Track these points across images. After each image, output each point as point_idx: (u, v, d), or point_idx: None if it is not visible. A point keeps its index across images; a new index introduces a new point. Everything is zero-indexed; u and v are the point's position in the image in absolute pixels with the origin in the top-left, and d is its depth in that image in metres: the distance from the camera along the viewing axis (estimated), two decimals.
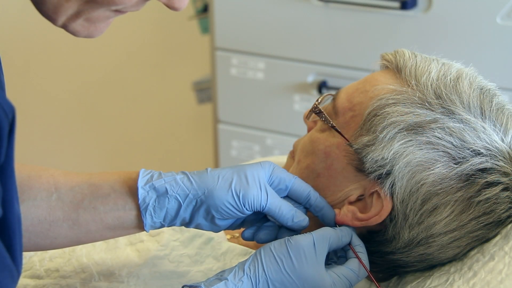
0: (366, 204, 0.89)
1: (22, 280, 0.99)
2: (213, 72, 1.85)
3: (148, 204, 0.86)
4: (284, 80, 1.77)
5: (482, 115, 0.88)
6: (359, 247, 0.88)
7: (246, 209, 0.86)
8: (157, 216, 0.87)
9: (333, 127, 0.92)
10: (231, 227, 0.90)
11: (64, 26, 0.76)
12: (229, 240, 1.02)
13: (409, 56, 0.93)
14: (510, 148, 0.88)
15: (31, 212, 0.87)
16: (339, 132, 0.91)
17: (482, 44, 1.55)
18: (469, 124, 0.87)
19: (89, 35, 0.77)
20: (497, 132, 0.88)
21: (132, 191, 0.88)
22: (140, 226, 0.88)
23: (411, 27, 1.60)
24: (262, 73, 1.79)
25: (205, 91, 2.14)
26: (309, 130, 0.98)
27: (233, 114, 1.87)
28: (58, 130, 2.63)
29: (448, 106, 0.88)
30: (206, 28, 2.09)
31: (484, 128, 0.87)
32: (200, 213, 0.87)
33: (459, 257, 0.92)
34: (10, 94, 2.46)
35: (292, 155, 0.99)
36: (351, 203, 0.90)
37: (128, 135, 2.56)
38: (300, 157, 0.95)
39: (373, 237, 0.91)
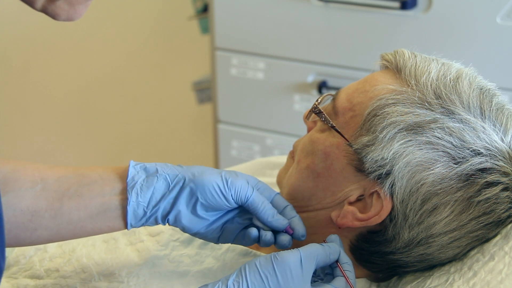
0: (366, 204, 0.89)
1: (22, 280, 0.99)
2: (213, 72, 1.85)
3: (136, 182, 0.87)
4: (284, 80, 1.77)
5: (482, 115, 0.88)
6: (347, 265, 0.86)
7: (232, 196, 0.87)
8: (143, 196, 0.87)
9: (333, 127, 0.92)
10: (209, 225, 0.90)
11: (44, 9, 0.76)
12: None
13: (409, 56, 0.93)
14: (510, 148, 0.88)
15: (14, 202, 0.86)
16: (339, 132, 0.91)
17: (482, 44, 1.55)
18: (468, 124, 0.87)
19: (68, 18, 0.76)
20: (497, 132, 0.88)
21: (122, 176, 0.88)
22: (123, 215, 0.87)
23: (411, 27, 1.60)
24: (262, 73, 1.79)
25: (205, 91, 2.14)
26: (309, 130, 0.98)
27: (233, 114, 1.87)
28: (58, 129, 2.63)
29: (447, 106, 0.88)
30: (206, 28, 2.09)
31: (484, 128, 0.87)
32: (184, 196, 0.87)
33: (459, 257, 0.92)
34: (10, 94, 2.46)
35: (292, 155, 0.99)
36: (351, 203, 0.90)
37: (128, 135, 2.56)
38: (300, 157, 0.95)
39: (373, 237, 0.91)
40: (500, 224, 0.90)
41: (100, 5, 2.41)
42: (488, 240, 0.91)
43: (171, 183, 0.87)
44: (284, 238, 0.89)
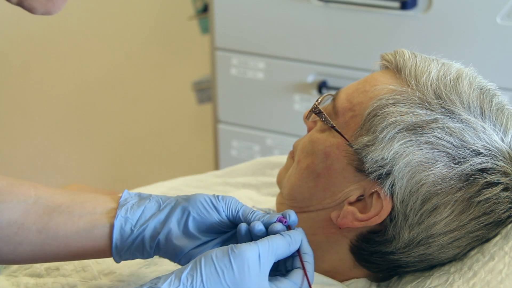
0: (366, 205, 0.89)
1: (23, 279, 0.99)
2: (213, 72, 1.85)
3: (128, 202, 0.85)
4: (284, 80, 1.77)
5: (482, 115, 0.88)
6: (308, 256, 0.83)
7: (222, 207, 0.84)
8: (132, 213, 0.84)
9: (333, 127, 0.92)
10: (201, 246, 0.85)
11: (20, 3, 0.73)
12: None
13: (409, 56, 0.93)
14: (510, 148, 0.88)
15: (3, 213, 0.84)
16: (339, 132, 0.91)
17: (482, 44, 1.55)
18: (469, 124, 0.87)
19: (46, 11, 0.74)
20: (497, 132, 0.88)
21: (116, 199, 0.86)
22: (110, 234, 0.84)
23: (411, 27, 1.60)
24: (262, 73, 1.79)
25: (205, 91, 2.14)
26: (309, 130, 0.98)
27: (233, 114, 1.87)
28: (57, 129, 2.63)
29: (448, 106, 0.88)
30: (206, 28, 2.09)
31: (484, 128, 0.87)
32: (175, 214, 0.84)
33: (459, 257, 0.92)
34: (10, 94, 2.47)
35: (292, 155, 0.99)
36: (350, 203, 0.90)
37: (128, 135, 2.56)
38: (300, 157, 0.95)
39: (373, 237, 0.91)
40: (500, 224, 0.90)
41: (100, 5, 2.42)
42: (488, 240, 0.91)
43: (162, 204, 0.85)
44: (276, 225, 0.83)
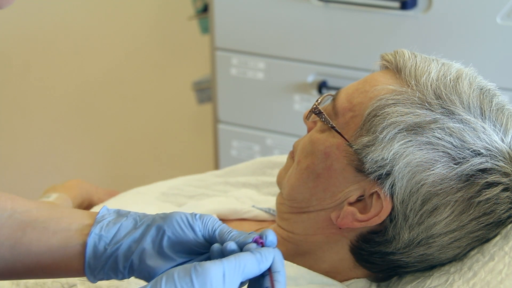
0: (366, 205, 0.89)
1: None
2: (213, 72, 1.85)
3: (105, 220, 0.80)
4: (284, 80, 1.77)
5: (482, 115, 0.88)
6: (279, 275, 0.76)
7: (199, 227, 0.78)
8: (108, 230, 0.80)
9: (333, 127, 0.92)
10: (175, 264, 0.80)
11: None
12: None
13: (409, 56, 0.93)
14: (510, 148, 0.88)
15: None
16: (339, 133, 0.91)
17: (482, 44, 1.55)
18: (469, 124, 0.87)
19: None
20: (497, 132, 0.88)
21: (93, 215, 0.82)
22: (83, 252, 0.80)
23: (411, 27, 1.60)
24: (262, 73, 1.79)
25: (205, 91, 2.14)
26: (309, 131, 0.98)
27: (233, 114, 1.87)
28: (57, 129, 2.63)
29: (448, 106, 0.88)
30: (206, 28, 2.09)
31: (484, 128, 0.87)
32: (150, 233, 0.79)
33: (459, 257, 0.92)
34: (11, 94, 2.46)
35: (292, 155, 0.99)
36: (350, 204, 0.90)
37: (128, 135, 2.56)
38: (300, 157, 0.95)
39: (373, 237, 0.91)
40: (500, 224, 0.90)
41: (100, 5, 2.42)
42: (488, 240, 0.91)
43: (139, 222, 0.80)
44: (251, 246, 0.77)
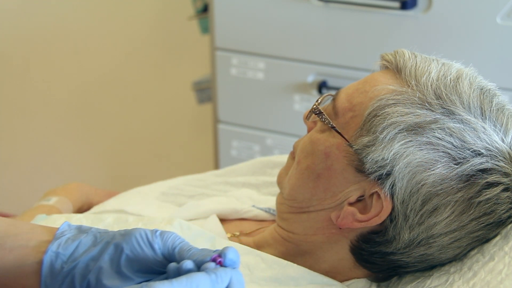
0: (366, 205, 0.89)
1: None
2: (213, 72, 1.85)
3: (64, 236, 0.76)
4: (284, 80, 1.77)
5: (482, 116, 0.88)
6: None
7: (158, 244, 0.74)
8: (65, 248, 0.75)
9: (333, 127, 0.92)
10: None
11: None
12: (229, 238, 1.02)
13: (409, 56, 0.93)
14: (510, 148, 0.88)
15: None
16: (339, 133, 0.91)
17: (482, 44, 1.55)
18: (469, 124, 0.87)
19: None
20: (497, 133, 0.88)
21: (53, 231, 0.78)
22: (39, 271, 0.75)
23: (411, 27, 1.60)
24: (262, 73, 1.79)
25: (205, 91, 2.14)
26: (309, 131, 0.98)
27: (233, 114, 1.87)
28: (57, 129, 2.63)
29: (448, 106, 0.88)
30: (206, 28, 2.09)
31: (484, 128, 0.87)
32: (109, 251, 0.75)
33: (459, 257, 0.92)
34: (11, 94, 2.47)
35: (292, 155, 0.99)
36: (351, 204, 0.90)
37: (128, 135, 2.56)
38: (300, 157, 0.95)
39: (373, 237, 0.91)
40: (500, 224, 0.90)
41: (100, 5, 2.42)
42: (488, 240, 0.91)
43: (99, 238, 0.76)
44: (208, 265, 0.72)
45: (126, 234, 0.75)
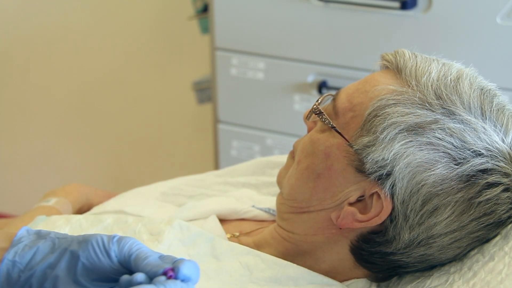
0: (366, 205, 0.89)
1: None
2: (213, 72, 1.85)
3: (21, 243, 0.73)
4: (284, 80, 1.77)
5: (483, 116, 0.88)
6: None
7: (114, 252, 0.72)
8: (22, 256, 0.72)
9: (333, 127, 0.92)
10: None
11: None
12: (229, 239, 1.02)
13: (409, 57, 0.93)
14: (510, 148, 0.88)
15: None
16: (339, 133, 0.91)
17: (482, 44, 1.55)
18: (469, 124, 0.87)
19: None
20: (498, 133, 0.88)
21: (11, 237, 0.75)
22: None
23: (411, 27, 1.60)
24: (262, 73, 1.79)
25: (205, 91, 2.14)
26: (309, 131, 0.98)
27: (233, 114, 1.87)
28: (57, 129, 2.63)
29: (448, 106, 0.88)
30: (206, 28, 2.09)
31: (484, 128, 0.87)
32: (65, 258, 0.72)
33: (459, 257, 0.92)
34: (11, 94, 2.47)
35: (292, 155, 0.99)
36: (351, 204, 0.90)
37: (128, 135, 2.56)
38: (300, 157, 0.95)
39: (373, 237, 0.91)
40: (500, 224, 0.90)
41: (100, 5, 2.42)
42: (488, 240, 0.91)
43: (57, 244, 0.73)
44: (160, 279, 0.69)
45: (83, 241, 0.72)
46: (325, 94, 0.99)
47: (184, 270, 0.69)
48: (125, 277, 0.71)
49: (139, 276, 0.69)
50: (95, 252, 0.72)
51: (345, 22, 1.66)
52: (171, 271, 0.69)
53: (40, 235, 0.75)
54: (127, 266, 0.72)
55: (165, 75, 2.44)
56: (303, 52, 1.73)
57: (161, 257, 0.72)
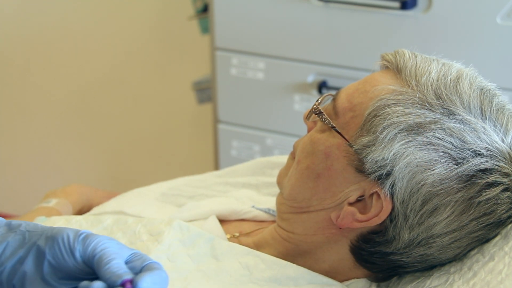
0: (366, 205, 0.89)
1: None
2: (213, 72, 1.85)
3: None
4: (284, 80, 1.77)
5: (483, 116, 0.88)
6: None
7: (79, 251, 0.69)
8: None
9: (333, 127, 0.92)
10: None
11: None
12: (229, 239, 1.02)
13: (409, 56, 0.93)
14: (510, 148, 0.88)
15: None
16: (339, 133, 0.91)
17: (482, 44, 1.55)
18: (469, 124, 0.87)
19: None
20: (498, 133, 0.88)
21: None
22: None
23: (411, 27, 1.60)
24: (262, 73, 1.79)
25: (205, 91, 2.14)
26: (309, 131, 0.98)
27: (233, 114, 1.87)
28: (57, 129, 2.63)
29: (448, 106, 0.88)
30: (206, 28, 2.09)
31: (484, 128, 0.87)
32: (32, 253, 0.69)
33: (459, 257, 0.92)
34: (10, 94, 2.47)
35: (292, 155, 0.99)
36: (350, 204, 0.90)
37: (128, 135, 2.56)
38: (300, 157, 0.95)
39: (373, 237, 0.91)
40: (500, 224, 0.90)
41: (100, 5, 2.42)
42: (488, 240, 0.91)
43: (27, 238, 0.70)
44: None
45: (51, 237, 0.70)
46: (325, 94, 0.99)
47: (143, 284, 0.66)
48: (84, 284, 0.68)
49: (98, 285, 0.67)
50: (60, 251, 0.69)
51: (345, 22, 1.66)
52: (129, 284, 0.66)
53: (11, 227, 0.72)
54: (91, 267, 0.69)
55: (165, 75, 2.44)
56: (303, 52, 1.73)
57: (133, 255, 0.70)
